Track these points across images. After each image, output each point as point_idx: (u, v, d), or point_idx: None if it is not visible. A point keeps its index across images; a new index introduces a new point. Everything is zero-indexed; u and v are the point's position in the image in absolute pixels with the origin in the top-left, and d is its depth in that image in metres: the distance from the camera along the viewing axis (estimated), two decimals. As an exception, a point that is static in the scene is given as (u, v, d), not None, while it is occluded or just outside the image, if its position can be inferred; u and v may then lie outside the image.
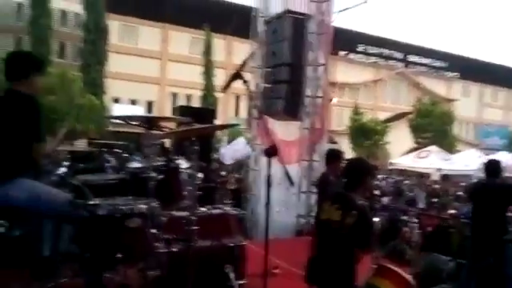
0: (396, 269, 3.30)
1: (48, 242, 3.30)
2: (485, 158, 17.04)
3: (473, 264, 5.50)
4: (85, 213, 2.82)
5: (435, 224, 9.35)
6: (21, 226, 3.12)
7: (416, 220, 10.02)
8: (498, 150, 27.31)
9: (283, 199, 8.51)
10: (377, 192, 14.59)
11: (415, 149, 29.30)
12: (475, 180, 14.70)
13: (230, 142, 21.56)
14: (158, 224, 3.04)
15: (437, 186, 18.15)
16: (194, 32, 37.22)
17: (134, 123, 3.74)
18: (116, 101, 34.34)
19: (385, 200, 14.21)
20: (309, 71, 8.34)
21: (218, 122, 21.07)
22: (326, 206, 3.37)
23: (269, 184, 3.12)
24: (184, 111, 11.12)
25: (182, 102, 36.09)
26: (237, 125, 9.77)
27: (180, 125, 4.09)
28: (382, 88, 48.09)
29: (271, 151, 3.10)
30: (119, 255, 2.76)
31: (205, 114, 12.17)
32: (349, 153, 30.07)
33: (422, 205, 13.89)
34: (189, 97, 37.61)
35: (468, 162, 19.51)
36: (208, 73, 35.75)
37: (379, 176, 20.71)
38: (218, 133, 23.34)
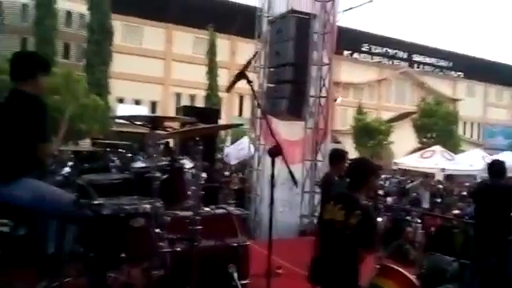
0: (400, 269, 3.29)
1: (52, 241, 3.32)
2: (489, 158, 17.02)
3: (476, 264, 5.49)
4: (89, 212, 2.84)
5: (439, 224, 9.33)
6: (25, 226, 3.14)
7: (419, 220, 10.01)
8: (503, 149, 27.21)
9: (286, 199, 8.50)
10: (380, 192, 14.58)
11: (419, 149, 29.22)
12: (479, 180, 14.67)
13: (233, 141, 21.58)
14: (162, 224, 3.05)
15: (440, 186, 18.10)
16: (197, 32, 37.28)
17: (138, 123, 3.75)
18: (120, 101, 34.44)
19: (389, 200, 14.19)
20: (313, 71, 8.34)
21: (221, 121, 21.14)
22: (330, 206, 3.37)
23: (272, 184, 3.12)
24: (188, 111, 11.15)
25: (185, 102, 36.14)
26: (241, 125, 9.78)
27: (184, 125, 4.10)
28: (386, 88, 48.00)
29: (275, 151, 3.09)
30: (123, 255, 2.77)
31: (209, 113, 12.22)
32: (352, 153, 30.02)
33: (426, 205, 13.84)
34: (192, 97, 37.66)
35: (472, 162, 19.45)
36: (212, 73, 35.80)
37: (383, 176, 20.69)
38: (222, 133, 23.36)
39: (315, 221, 7.75)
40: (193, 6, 35.54)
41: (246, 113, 36.47)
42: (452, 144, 33.06)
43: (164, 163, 3.42)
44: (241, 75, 3.09)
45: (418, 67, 49.77)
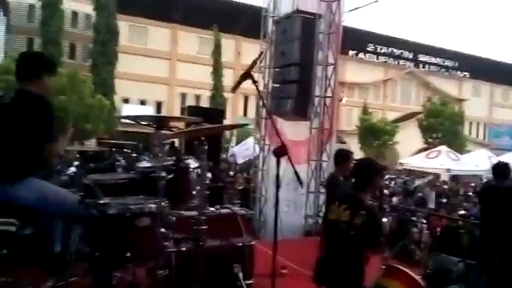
0: (405, 269, 3.29)
1: (58, 240, 3.33)
2: (495, 159, 16.96)
3: (481, 265, 5.47)
4: (95, 212, 2.85)
5: (444, 225, 9.31)
6: (31, 225, 3.15)
7: (425, 221, 9.99)
8: (509, 150, 27.04)
9: (291, 199, 8.50)
10: (386, 191, 14.55)
11: (425, 149, 29.14)
12: (485, 180, 14.61)
13: (238, 142, 21.61)
14: (167, 223, 3.06)
15: (446, 187, 18.04)
16: (203, 32, 37.32)
17: (144, 123, 3.76)
18: (126, 101, 34.54)
19: (394, 200, 14.16)
20: (318, 71, 8.33)
21: (226, 122, 21.17)
22: (335, 207, 3.37)
23: (278, 184, 3.12)
24: (193, 111, 11.20)
25: (190, 102, 36.21)
26: (246, 125, 9.79)
27: (189, 125, 4.11)
28: (392, 88, 47.87)
29: (280, 151, 3.09)
30: (128, 254, 2.78)
31: (214, 114, 12.25)
32: (358, 153, 29.98)
33: (432, 205, 13.81)
34: (198, 97, 37.72)
35: (478, 162, 19.38)
36: (217, 73, 35.84)
37: (388, 176, 20.63)
38: (227, 133, 23.39)
39: (320, 221, 7.74)
40: (198, 6, 35.59)
41: (251, 113, 36.47)
42: (458, 144, 32.96)
43: (169, 163, 3.43)
44: (246, 75, 3.09)
45: (423, 67, 49.63)
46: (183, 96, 38.12)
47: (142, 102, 36.10)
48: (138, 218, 2.88)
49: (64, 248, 3.29)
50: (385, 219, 9.23)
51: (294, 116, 8.26)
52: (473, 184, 19.66)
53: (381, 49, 47.02)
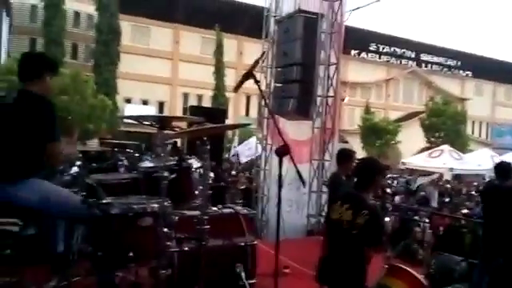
0: (408, 269, 3.29)
1: (61, 240, 3.33)
2: (498, 158, 16.94)
3: (484, 264, 5.47)
4: (97, 212, 2.85)
5: (447, 224, 9.29)
6: (34, 225, 3.16)
7: (427, 220, 9.97)
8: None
9: (294, 199, 8.51)
10: (388, 190, 14.54)
11: (427, 148, 29.10)
12: (488, 179, 14.58)
13: (241, 141, 21.63)
14: (170, 223, 3.06)
15: (448, 186, 18.01)
16: (205, 32, 37.35)
17: (146, 123, 3.77)
18: (128, 101, 34.61)
19: (397, 199, 14.15)
20: (320, 70, 8.33)
21: (228, 121, 21.20)
22: (337, 206, 3.37)
23: (280, 184, 3.12)
24: (195, 111, 11.21)
25: (193, 102, 36.24)
26: (248, 124, 9.79)
27: (191, 124, 4.11)
28: (394, 87, 47.83)
29: (282, 150, 3.09)
30: (131, 254, 2.78)
31: (216, 113, 12.26)
32: (360, 152, 29.96)
33: (434, 204, 13.79)
34: (200, 97, 37.75)
35: (481, 161, 19.33)
36: (219, 73, 35.85)
37: (390, 175, 20.62)
38: (229, 132, 23.41)
39: (322, 221, 7.74)
40: (200, 6, 35.64)
41: (253, 113, 36.52)
42: (460, 143, 32.90)
43: (172, 163, 3.43)
44: (248, 75, 3.09)
45: (425, 66, 49.58)
46: (185, 96, 38.16)
47: (145, 102, 36.15)
48: (141, 218, 2.88)
49: (67, 248, 3.30)
50: (387, 218, 9.23)
51: (296, 115, 8.26)
52: (475, 183, 19.64)
53: (383, 48, 47.00)
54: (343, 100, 30.10)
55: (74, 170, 11.21)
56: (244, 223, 3.78)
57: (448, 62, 50.55)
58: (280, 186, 3.12)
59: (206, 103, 34.90)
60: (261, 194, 9.64)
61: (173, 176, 3.23)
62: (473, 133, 47.97)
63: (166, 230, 2.98)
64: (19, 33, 31.75)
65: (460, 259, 6.49)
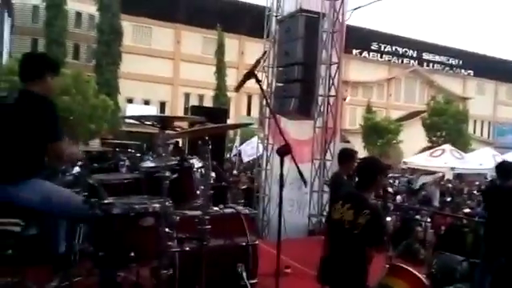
0: (409, 268, 3.28)
1: (63, 240, 3.34)
2: (499, 157, 16.93)
3: (486, 264, 5.47)
4: (99, 212, 2.86)
5: (448, 223, 9.29)
6: (36, 226, 3.16)
7: (429, 219, 9.97)
8: (514, 148, 26.97)
9: (295, 199, 8.50)
10: (390, 190, 14.54)
11: (429, 147, 29.08)
12: (490, 179, 14.56)
13: (242, 141, 21.64)
14: (171, 223, 3.06)
15: (450, 185, 18.00)
16: (206, 32, 37.37)
17: (148, 123, 3.77)
18: (129, 101, 34.66)
19: (398, 198, 14.15)
20: (322, 70, 8.32)
21: (230, 121, 21.17)
22: (338, 206, 3.37)
23: (281, 184, 3.12)
24: (197, 111, 11.19)
25: (194, 101, 36.26)
26: (250, 124, 9.82)
27: (193, 124, 4.11)
28: (396, 86, 47.81)
29: (284, 150, 3.08)
30: (132, 254, 2.78)
31: (217, 113, 12.23)
32: (362, 152, 29.95)
33: (436, 203, 13.79)
34: (201, 97, 37.78)
35: (482, 160, 19.31)
36: (220, 73, 35.85)
37: (392, 175, 20.61)
38: (231, 132, 23.41)
39: (324, 220, 7.73)
40: (201, 6, 35.64)
41: (255, 112, 36.51)
42: (462, 143, 32.88)
43: (173, 163, 3.43)
44: (250, 75, 3.09)
45: (427, 66, 49.54)
46: (187, 96, 38.18)
47: (146, 102, 36.19)
48: (142, 218, 2.88)
49: (68, 248, 3.30)
50: (389, 218, 9.23)
51: (298, 115, 8.26)
52: (477, 182, 19.63)
53: (385, 47, 46.98)
54: (345, 99, 30.12)
55: (76, 170, 11.24)
56: (245, 223, 3.78)
57: (450, 61, 50.51)
58: (281, 186, 3.12)
59: (208, 103, 34.92)
60: (262, 193, 9.65)
61: (174, 176, 3.22)
62: (474, 132, 47.91)
63: (167, 229, 2.98)
64: (21, 33, 31.81)
65: (462, 259, 6.49)
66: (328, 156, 8.32)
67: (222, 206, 3.90)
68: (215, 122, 4.40)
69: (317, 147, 8.40)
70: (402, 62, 48.23)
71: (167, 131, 3.49)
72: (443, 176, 18.76)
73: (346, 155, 5.73)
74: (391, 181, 19.04)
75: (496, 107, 52.87)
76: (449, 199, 14.55)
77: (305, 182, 3.59)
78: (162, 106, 37.10)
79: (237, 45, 38.85)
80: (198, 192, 3.48)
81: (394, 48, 47.40)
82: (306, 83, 8.05)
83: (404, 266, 3.34)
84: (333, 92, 8.39)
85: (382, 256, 3.49)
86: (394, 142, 35.58)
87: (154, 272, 3.17)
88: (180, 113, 33.13)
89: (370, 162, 3.81)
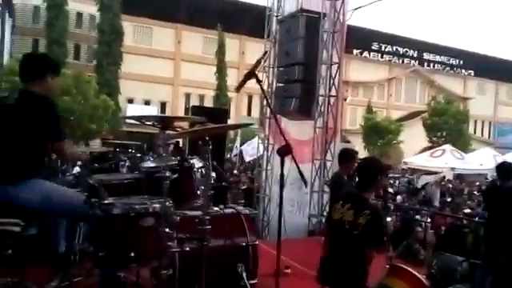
0: (409, 269, 3.28)
1: (63, 240, 3.34)
2: (500, 157, 16.92)
3: (487, 264, 5.46)
4: (99, 212, 2.86)
5: (448, 224, 9.28)
6: (36, 225, 3.16)
7: (429, 220, 9.96)
8: (515, 148, 26.94)
9: (295, 199, 8.50)
10: (390, 190, 14.54)
11: (429, 148, 29.07)
12: (490, 179, 14.54)
13: (243, 141, 21.66)
14: (172, 223, 3.05)
15: (450, 186, 18.00)
16: (207, 32, 37.36)
17: (148, 123, 3.77)
18: (130, 101, 34.66)
19: (398, 199, 14.15)
20: (322, 70, 8.31)
21: (230, 121, 21.18)
22: (338, 206, 3.36)
23: (282, 184, 3.12)
24: (197, 111, 11.18)
25: (194, 102, 36.27)
26: (250, 124, 9.83)
27: (193, 124, 4.11)
28: (396, 86, 47.80)
29: (284, 150, 3.07)
30: (132, 254, 2.78)
31: (218, 113, 12.24)
32: (362, 152, 29.94)
33: (437, 203, 13.79)
34: (202, 97, 37.77)
35: (483, 160, 19.32)
36: (221, 73, 35.85)
37: (392, 175, 20.60)
38: (231, 132, 23.41)
39: (324, 220, 7.73)
40: (202, 6, 35.65)
41: (255, 112, 36.53)
42: (462, 143, 32.88)
43: (174, 163, 3.43)
44: (250, 75, 3.08)
45: (428, 66, 49.53)
46: (187, 96, 38.19)
47: (147, 102, 36.20)
48: (143, 218, 2.87)
49: (68, 248, 3.30)
50: (389, 218, 9.23)
51: (298, 115, 8.26)
52: (477, 183, 19.62)
53: (385, 47, 46.98)
54: (345, 99, 30.11)
55: (76, 170, 11.25)
56: (245, 223, 3.78)
57: (450, 61, 50.51)
58: (282, 186, 3.11)
59: (208, 103, 34.92)
60: (262, 193, 9.64)
61: (175, 176, 3.22)
62: (475, 132, 47.90)
63: (167, 230, 2.98)
64: (22, 33, 31.84)
65: (462, 259, 6.49)
66: (328, 156, 8.31)
67: (222, 207, 3.90)
68: (216, 122, 4.40)
69: (317, 147, 8.40)
70: (403, 62, 48.23)
71: (168, 131, 3.49)
72: (444, 176, 18.75)
73: (347, 155, 5.72)
74: (391, 181, 19.03)
75: (496, 107, 52.83)
76: (449, 199, 14.55)
77: (305, 183, 3.59)
78: (163, 106, 37.10)
79: (237, 45, 38.85)
80: (198, 192, 3.48)
81: (394, 48, 47.39)
82: (307, 83, 8.06)
83: (404, 266, 3.34)
84: (333, 92, 8.39)
85: (382, 256, 3.49)
86: (395, 142, 35.56)
87: (154, 272, 3.17)
88: (180, 113, 33.15)
89: (371, 162, 3.80)
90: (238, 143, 21.80)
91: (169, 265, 3.05)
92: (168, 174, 3.15)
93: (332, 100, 8.38)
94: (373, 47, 46.35)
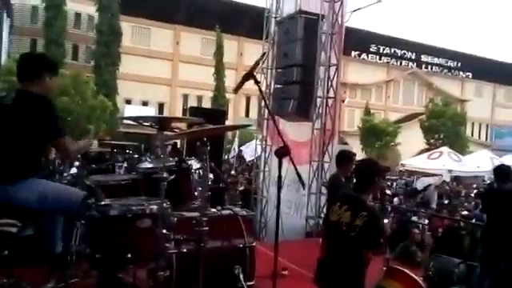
0: (406, 271, 3.28)
1: (60, 241, 3.33)
2: (497, 160, 16.93)
3: (485, 268, 5.46)
4: (96, 213, 2.85)
5: (446, 226, 9.30)
6: (32, 226, 3.15)
7: (426, 221, 9.97)
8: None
9: (293, 200, 8.49)
10: (388, 192, 14.56)
11: (426, 150, 29.09)
12: (488, 182, 14.56)
13: (240, 142, 21.67)
14: (169, 224, 3.05)
15: (447, 188, 18.01)
16: (205, 33, 37.38)
17: (146, 124, 3.76)
18: (128, 102, 34.64)
19: (396, 201, 14.15)
20: (321, 72, 8.31)
21: (228, 122, 21.21)
22: (336, 208, 3.36)
23: (279, 185, 3.11)
24: (195, 112, 11.21)
25: (192, 103, 36.27)
26: (248, 125, 9.82)
27: (191, 125, 4.11)
28: (394, 88, 47.87)
29: (282, 151, 3.07)
30: (129, 255, 2.78)
31: (216, 114, 12.23)
32: (360, 154, 29.95)
33: (434, 205, 13.80)
34: (199, 98, 37.76)
35: (480, 163, 19.30)
36: (219, 74, 35.85)
37: (388, 177, 20.62)
38: (229, 134, 23.41)
39: (321, 222, 7.72)
40: (200, 7, 35.65)
41: (253, 114, 36.54)
42: (460, 145, 32.92)
43: (171, 164, 3.43)
44: (248, 76, 3.08)
45: (426, 68, 49.63)
46: (185, 97, 38.17)
47: (144, 103, 36.17)
48: (140, 219, 2.87)
49: (65, 249, 3.29)
50: (386, 220, 9.23)
51: (296, 117, 8.26)
52: (475, 185, 19.65)
53: (383, 49, 47.05)
54: (343, 101, 30.13)
55: (73, 170, 11.23)
56: (243, 225, 3.77)
57: (448, 63, 50.62)
58: (279, 188, 3.11)
59: (206, 104, 34.92)
60: (260, 195, 9.63)
61: (172, 177, 3.22)
62: (472, 134, 48.00)
63: (164, 231, 2.97)
64: (20, 34, 31.79)
65: (459, 261, 6.48)
66: (326, 158, 8.31)
67: (219, 208, 3.90)
68: (213, 123, 4.39)
69: (315, 149, 8.39)
70: (401, 64, 48.31)
71: (165, 132, 3.48)
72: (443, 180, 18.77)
73: (344, 157, 5.72)
74: (389, 183, 19.04)
75: (494, 109, 52.94)
76: (446, 201, 14.56)
77: (303, 184, 3.58)
78: (161, 107, 37.08)
79: (236, 46, 38.85)
80: (195, 193, 3.48)
81: (392, 50, 47.46)
82: (305, 85, 8.05)
83: (401, 268, 3.34)
84: (331, 94, 8.39)
85: (379, 258, 3.49)
86: (392, 144, 35.62)
87: (151, 274, 3.16)
88: (178, 114, 33.16)
89: (368, 164, 3.80)
90: (235, 144, 21.80)
91: (166, 266, 3.05)
92: (165, 175, 3.15)
93: (330, 102, 8.38)
94: (371, 49, 46.41)
